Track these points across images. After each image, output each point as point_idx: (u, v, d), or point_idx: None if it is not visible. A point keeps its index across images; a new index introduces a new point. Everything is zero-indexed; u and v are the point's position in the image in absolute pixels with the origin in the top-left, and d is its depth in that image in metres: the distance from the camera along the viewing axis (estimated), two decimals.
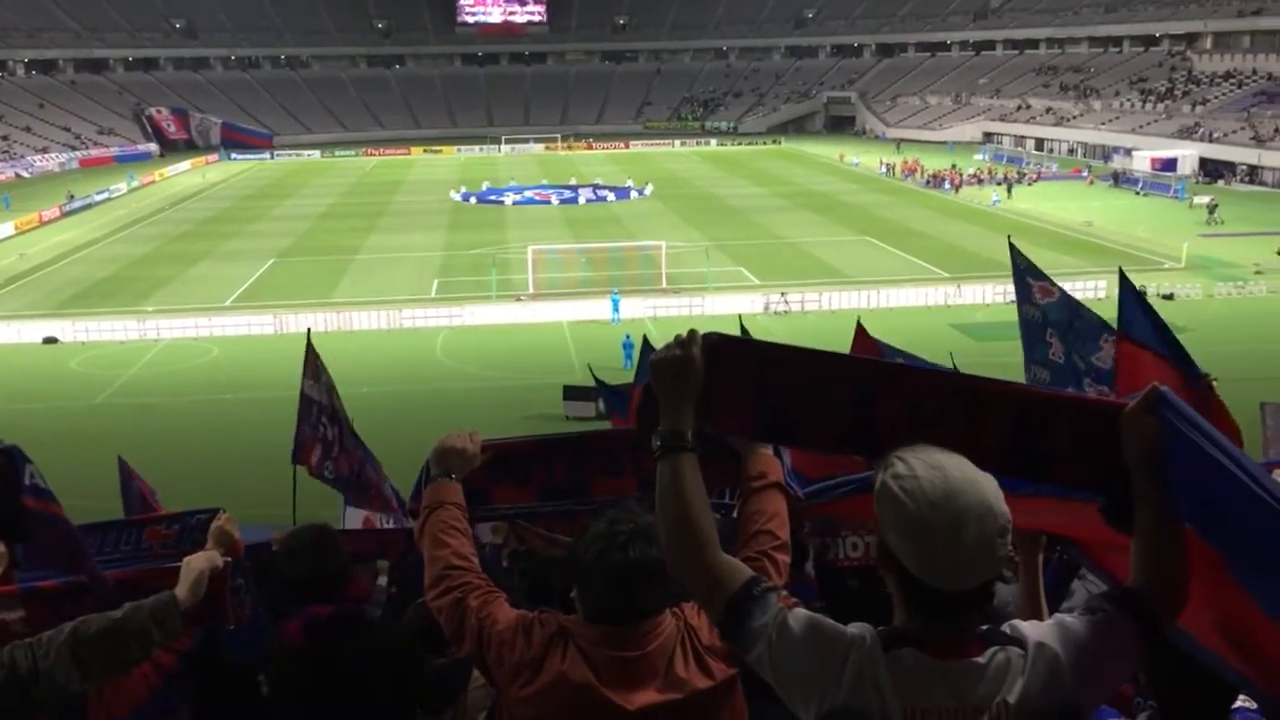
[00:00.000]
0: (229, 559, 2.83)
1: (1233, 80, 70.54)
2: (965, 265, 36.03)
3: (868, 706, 1.65)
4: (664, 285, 34.36)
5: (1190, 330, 21.23)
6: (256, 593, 3.39)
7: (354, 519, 7.66)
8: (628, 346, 24.36)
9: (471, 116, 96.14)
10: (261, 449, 12.41)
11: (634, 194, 56.82)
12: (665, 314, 30.78)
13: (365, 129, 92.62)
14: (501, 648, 2.21)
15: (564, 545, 3.00)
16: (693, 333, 1.93)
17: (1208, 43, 78.93)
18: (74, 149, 78.08)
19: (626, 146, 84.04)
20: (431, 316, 31.56)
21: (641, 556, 2.12)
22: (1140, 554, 1.80)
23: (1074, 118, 76.21)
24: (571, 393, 21.88)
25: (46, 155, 75.17)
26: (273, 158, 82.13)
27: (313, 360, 7.50)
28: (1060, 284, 5.96)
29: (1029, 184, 57.96)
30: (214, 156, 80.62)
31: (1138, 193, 55.02)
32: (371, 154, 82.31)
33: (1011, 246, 6.40)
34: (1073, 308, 5.72)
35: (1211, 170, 59.35)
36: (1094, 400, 2.19)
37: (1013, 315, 6.39)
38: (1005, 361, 8.49)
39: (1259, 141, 58.80)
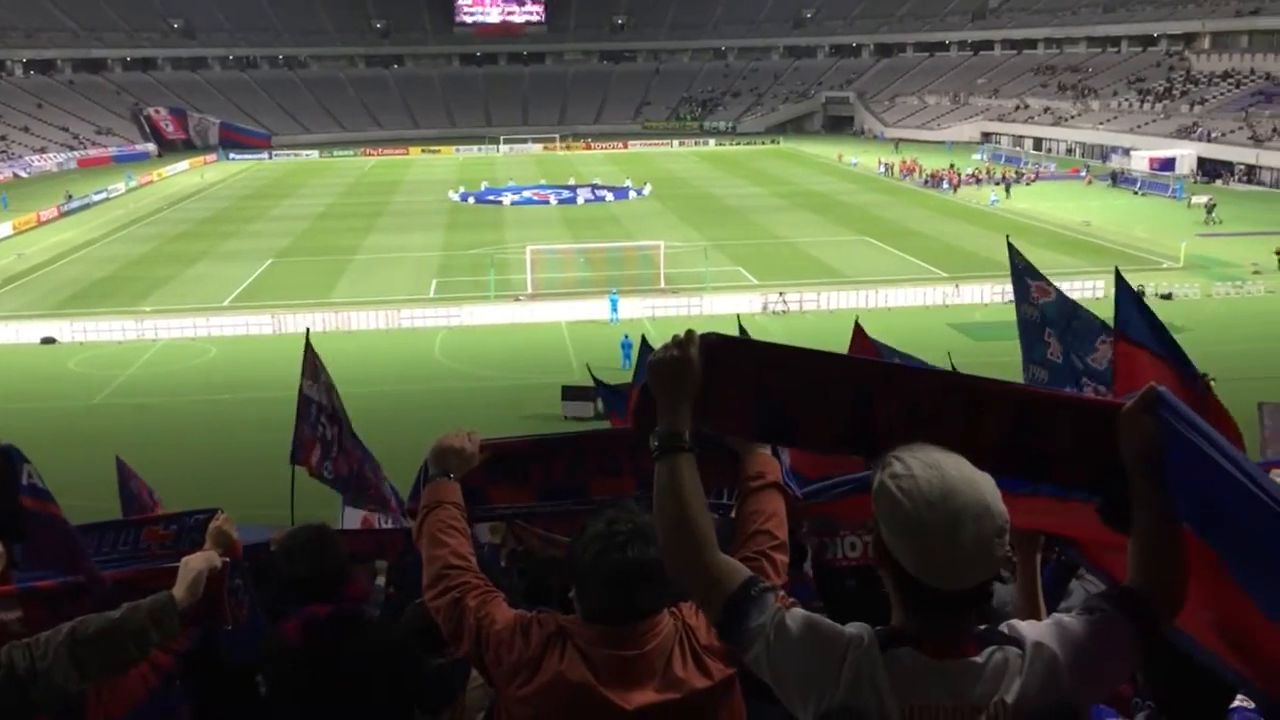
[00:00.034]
0: (227, 559, 2.83)
1: (1231, 80, 70.60)
2: (963, 265, 36.05)
3: (865, 706, 1.65)
4: (662, 285, 34.36)
5: (1188, 330, 21.25)
6: (254, 593, 3.38)
7: (352, 519, 7.65)
8: (626, 346, 24.35)
9: (470, 116, 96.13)
10: (260, 449, 12.42)
11: (632, 194, 56.80)
12: (663, 314, 30.80)
13: (363, 129, 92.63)
14: (500, 647, 2.21)
15: (562, 545, 3.00)
16: (690, 333, 1.93)
17: (1206, 43, 79.00)
18: (72, 149, 78.06)
19: (625, 146, 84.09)
20: (430, 316, 31.57)
21: (640, 556, 2.12)
22: (1138, 554, 1.80)
23: (1072, 118, 76.24)
24: (570, 393, 21.90)
25: (44, 155, 75.14)
26: (271, 158, 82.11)
27: (311, 360, 7.48)
28: (1058, 284, 5.99)
29: (1027, 184, 57.96)
30: (212, 156, 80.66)
31: (1136, 192, 55.02)
32: (370, 154, 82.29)
33: (1010, 246, 6.41)
34: (1070, 308, 5.74)
35: (1209, 170, 59.40)
36: (1092, 400, 2.18)
37: (1011, 315, 6.40)
38: (1003, 361, 8.51)
39: (1257, 141, 58.84)
